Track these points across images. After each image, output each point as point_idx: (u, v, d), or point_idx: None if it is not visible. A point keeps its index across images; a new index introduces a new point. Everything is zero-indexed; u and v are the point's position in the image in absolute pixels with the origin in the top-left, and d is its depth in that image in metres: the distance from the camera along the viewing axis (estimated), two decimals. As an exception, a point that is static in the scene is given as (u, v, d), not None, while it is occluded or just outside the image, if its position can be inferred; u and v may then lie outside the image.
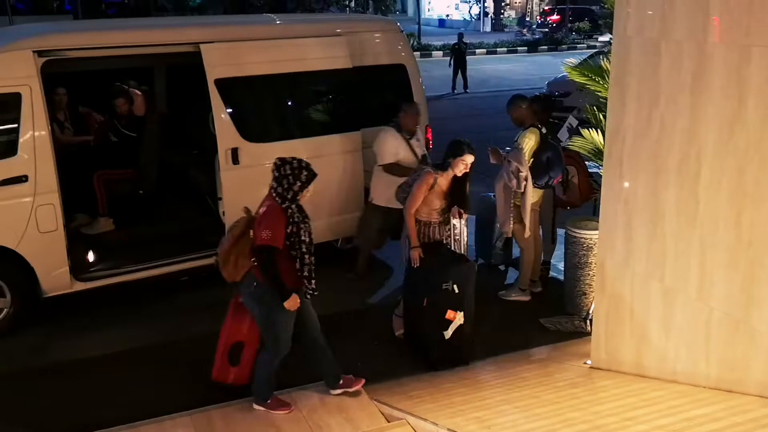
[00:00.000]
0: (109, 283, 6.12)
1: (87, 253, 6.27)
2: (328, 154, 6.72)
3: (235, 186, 6.35)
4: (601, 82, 6.05)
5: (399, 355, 5.25)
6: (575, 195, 6.44)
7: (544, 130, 6.21)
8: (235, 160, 6.28)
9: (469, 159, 5.29)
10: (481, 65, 24.23)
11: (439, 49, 27.20)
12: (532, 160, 6.07)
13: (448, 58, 20.24)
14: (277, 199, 4.29)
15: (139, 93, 7.16)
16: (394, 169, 6.39)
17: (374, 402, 4.86)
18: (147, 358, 5.55)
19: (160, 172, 7.33)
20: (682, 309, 4.07)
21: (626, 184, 4.40)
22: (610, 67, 4.63)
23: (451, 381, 5.03)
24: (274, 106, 6.84)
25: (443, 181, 5.37)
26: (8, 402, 4.93)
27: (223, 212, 6.37)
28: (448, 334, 5.09)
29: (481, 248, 7.08)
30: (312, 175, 4.34)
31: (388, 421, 4.60)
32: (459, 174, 5.34)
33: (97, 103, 7.51)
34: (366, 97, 7.10)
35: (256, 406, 4.69)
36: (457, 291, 5.09)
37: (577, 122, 6.76)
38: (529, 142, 6.10)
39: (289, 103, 6.98)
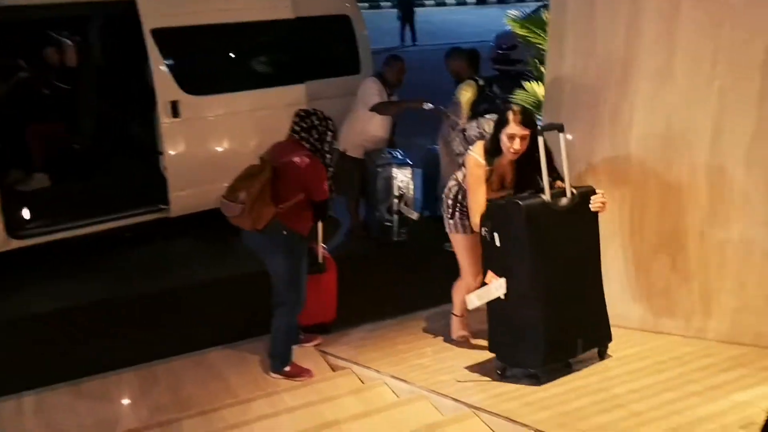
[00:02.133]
0: (47, 241, 6.00)
1: (22, 210, 6.11)
2: (271, 107, 6.65)
3: (176, 140, 6.25)
4: (542, 35, 6.09)
5: (345, 308, 5.31)
6: None
7: (481, 83, 6.26)
8: (176, 113, 6.17)
9: (517, 129, 3.66)
10: (430, 17, 24.01)
11: (387, 0, 26.84)
12: (469, 112, 6.12)
13: (396, 9, 20.01)
14: (311, 149, 4.30)
15: (70, 43, 6.91)
16: (387, 107, 6.39)
17: (319, 352, 4.94)
18: (93, 314, 5.50)
19: (96, 125, 7.13)
20: (613, 254, 4.21)
21: (570, 137, 4.48)
22: (549, 20, 4.67)
23: (395, 330, 5.13)
24: (214, 57, 6.70)
25: (500, 168, 3.85)
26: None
27: (165, 167, 6.27)
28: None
29: (426, 201, 7.16)
30: (335, 129, 4.44)
31: (334, 371, 4.70)
32: (511, 158, 3.75)
33: (29, 56, 7.22)
34: (309, 49, 7.01)
35: (274, 376, 4.55)
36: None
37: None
38: (466, 94, 6.16)
39: (230, 55, 6.85)
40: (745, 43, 3.37)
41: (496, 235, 3.55)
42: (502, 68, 13.59)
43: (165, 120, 6.15)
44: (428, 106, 6.37)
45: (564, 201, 3.56)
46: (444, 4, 29.06)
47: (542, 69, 6.11)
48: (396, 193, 6.58)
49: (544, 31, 5.97)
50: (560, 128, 3.68)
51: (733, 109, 3.43)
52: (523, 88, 6.82)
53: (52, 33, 7.03)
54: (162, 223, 6.49)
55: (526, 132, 3.65)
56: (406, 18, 19.11)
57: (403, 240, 6.67)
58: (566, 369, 3.54)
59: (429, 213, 7.09)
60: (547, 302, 3.48)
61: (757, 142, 3.34)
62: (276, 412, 3.96)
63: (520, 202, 3.46)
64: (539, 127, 3.63)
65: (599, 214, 3.69)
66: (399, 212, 6.64)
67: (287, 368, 4.54)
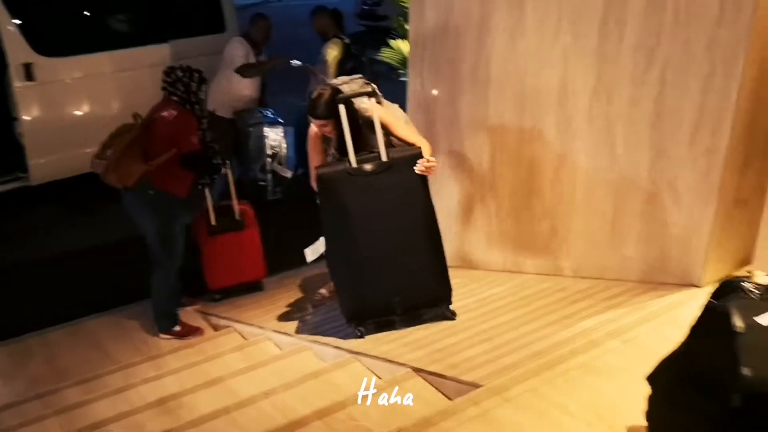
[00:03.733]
0: None
1: None
2: (134, 68, 6.44)
3: (32, 104, 5.94)
4: (405, -8, 6.25)
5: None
6: None
7: (347, 41, 6.38)
8: (30, 76, 5.84)
9: (317, 122, 3.80)
10: (294, -29, 23.55)
11: (250, -46, 25.99)
12: (336, 70, 6.23)
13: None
14: (179, 103, 4.33)
15: None
16: (250, 70, 6.31)
17: (201, 315, 4.98)
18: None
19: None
20: (473, 204, 4.51)
21: (427, 92, 4.70)
22: (410, -22, 4.82)
23: (276, 287, 5.25)
24: (71, 16, 6.37)
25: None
26: None
27: (21, 133, 5.95)
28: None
29: (300, 158, 7.23)
30: (203, 78, 4.42)
31: (216, 330, 4.76)
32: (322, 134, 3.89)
33: None
34: (172, 8, 6.82)
35: (164, 336, 4.55)
36: None
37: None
38: (332, 52, 6.26)
39: (89, 13, 6.54)
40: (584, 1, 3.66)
41: (317, 197, 3.78)
42: (369, 24, 13.67)
43: (18, 84, 5.82)
44: (296, 63, 6.41)
45: (369, 166, 3.60)
46: (308, -42, 28.55)
47: (406, 26, 6.31)
48: (269, 152, 6.61)
49: (407, -12, 6.15)
50: (369, 94, 3.76)
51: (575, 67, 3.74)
52: (389, 46, 7.00)
53: None
54: (24, 192, 6.19)
55: (323, 122, 3.74)
56: (270, -28, 18.66)
57: (278, 198, 6.74)
58: (389, 325, 3.68)
59: (303, 170, 7.17)
60: (351, 262, 3.66)
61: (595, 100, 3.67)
62: (160, 375, 3.99)
63: (318, 170, 3.68)
64: (339, 97, 3.68)
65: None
66: (272, 171, 6.69)
67: (177, 328, 4.56)
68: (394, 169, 3.63)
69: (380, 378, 3.31)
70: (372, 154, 3.67)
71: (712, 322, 1.98)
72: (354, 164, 3.61)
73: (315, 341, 3.94)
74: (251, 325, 4.53)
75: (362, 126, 3.77)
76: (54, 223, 6.36)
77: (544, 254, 4.08)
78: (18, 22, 5.75)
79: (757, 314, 1.88)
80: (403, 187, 3.65)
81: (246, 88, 6.52)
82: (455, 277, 4.41)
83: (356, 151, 3.67)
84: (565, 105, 3.80)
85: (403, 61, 6.41)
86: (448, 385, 2.98)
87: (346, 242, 3.67)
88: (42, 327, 4.76)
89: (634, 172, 3.53)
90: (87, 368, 4.26)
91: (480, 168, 4.40)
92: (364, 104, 3.81)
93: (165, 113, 4.32)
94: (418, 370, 3.15)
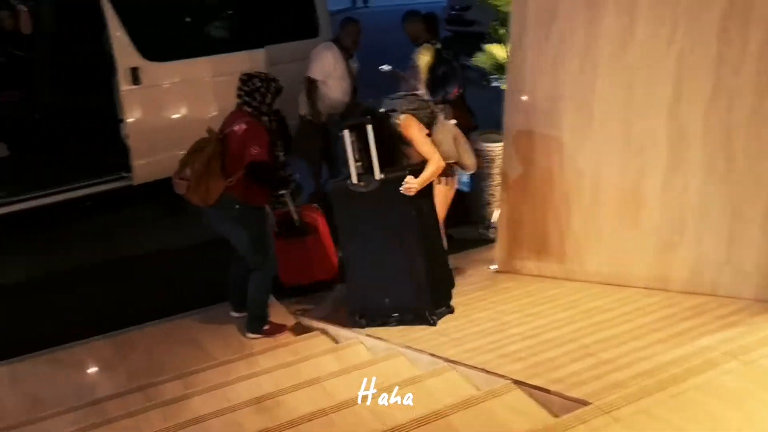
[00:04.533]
0: (8, 212, 5.90)
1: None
2: (231, 73, 6.55)
3: (137, 107, 6.17)
4: (501, -4, 6.16)
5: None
6: None
7: (438, 46, 6.33)
8: (136, 80, 6.08)
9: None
10: (380, -22, 23.74)
11: (338, -39, 26.35)
12: (428, 76, 6.20)
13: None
14: (253, 113, 4.28)
15: (24, 9, 6.70)
16: (310, 86, 6.36)
17: (292, 315, 5.04)
18: (62, 284, 5.48)
19: (55, 93, 6.97)
20: (576, 214, 4.39)
21: (526, 97, 4.61)
22: (512, -17, 4.74)
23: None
24: (174, 22, 6.59)
25: None
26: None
27: (126, 135, 6.19)
28: None
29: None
30: (279, 88, 4.38)
31: (308, 332, 4.80)
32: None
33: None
34: (268, 14, 6.94)
35: (251, 336, 4.65)
36: None
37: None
38: (424, 57, 6.22)
39: (190, 20, 6.74)
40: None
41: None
42: (456, 29, 13.61)
43: (125, 87, 6.05)
44: (385, 68, 6.39)
45: (363, 186, 4.16)
46: (394, -35, 28.70)
47: (501, 32, 6.22)
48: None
49: (504, -8, 6.05)
50: (367, 122, 4.17)
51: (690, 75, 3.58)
52: (480, 51, 6.91)
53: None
54: (126, 192, 6.44)
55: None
56: (357, -21, 18.90)
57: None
58: (384, 322, 4.30)
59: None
60: (352, 266, 4.38)
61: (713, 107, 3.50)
62: (255, 373, 4.04)
63: (331, 185, 4.39)
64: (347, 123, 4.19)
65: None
66: (363, 175, 6.70)
67: (266, 327, 4.65)
68: (386, 187, 4.13)
69: (478, 389, 3.25)
70: (395, 168, 4.19)
71: None
72: (354, 180, 4.18)
73: (408, 347, 3.91)
74: (343, 328, 4.54)
75: (396, 141, 4.30)
76: (153, 222, 6.59)
77: (651, 268, 3.92)
78: (127, 27, 5.99)
79: None
80: (394, 204, 4.13)
81: (337, 92, 6.57)
82: (553, 288, 4.33)
83: (393, 162, 4.24)
84: (678, 113, 3.64)
85: (497, 67, 6.32)
86: (552, 400, 2.89)
87: (352, 246, 4.34)
88: (141, 321, 4.91)
89: (755, 183, 3.34)
90: (184, 363, 4.37)
91: (582, 177, 4.28)
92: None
93: (236, 127, 4.25)
94: (518, 383, 3.07)
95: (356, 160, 4.20)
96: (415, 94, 4.74)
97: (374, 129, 4.17)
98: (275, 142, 4.44)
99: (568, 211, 4.42)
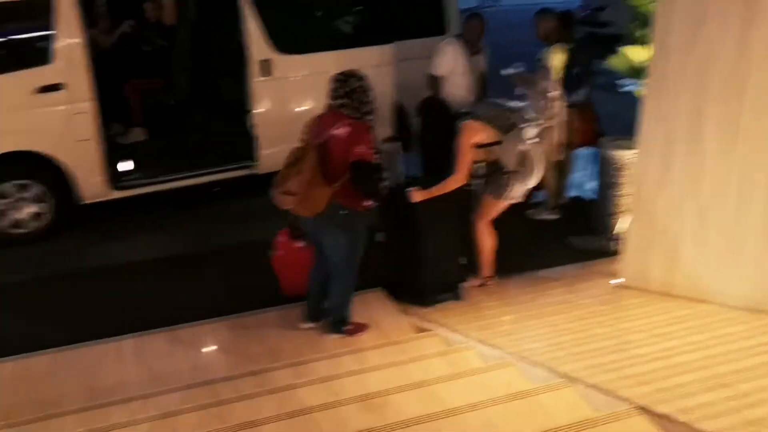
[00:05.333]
0: (145, 192, 6.23)
1: (122, 162, 6.36)
2: (359, 68, 6.63)
3: (265, 98, 6.34)
4: (643, -4, 5.83)
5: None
6: (571, 137, 6.24)
7: (571, 46, 6.07)
8: (266, 72, 6.24)
9: None
10: (511, -24, 23.34)
11: (468, -41, 26.14)
12: (560, 77, 5.96)
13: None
14: (352, 115, 4.05)
15: (168, 1, 7.06)
16: (432, 83, 6.31)
17: (403, 314, 4.99)
18: (178, 266, 5.71)
19: (191, 82, 7.30)
20: (715, 229, 4.07)
21: (667, 104, 4.32)
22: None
23: (479, 297, 5.12)
24: (305, 16, 6.72)
25: None
26: (48, 304, 5.13)
27: (254, 124, 6.38)
28: None
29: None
30: (371, 87, 4.16)
31: (418, 332, 4.74)
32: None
33: (130, 11, 7.40)
34: (396, 9, 6.95)
35: (333, 337, 4.53)
36: None
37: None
38: (558, 58, 5.98)
39: (320, 14, 6.86)
40: None
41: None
42: (590, 31, 13.12)
43: (256, 78, 6.23)
44: (510, 71, 6.19)
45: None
46: (526, -36, 28.15)
47: (640, 33, 5.89)
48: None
49: (646, -8, 5.72)
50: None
51: None
52: (614, 52, 6.58)
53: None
54: (249, 180, 6.64)
55: None
56: (487, -23, 18.63)
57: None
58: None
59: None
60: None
61: None
62: (363, 369, 4.03)
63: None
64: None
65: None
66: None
67: (347, 327, 4.56)
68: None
69: (597, 410, 3.06)
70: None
71: None
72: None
73: (523, 358, 3.76)
74: (455, 331, 4.45)
75: None
76: (271, 212, 6.74)
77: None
78: (261, 21, 6.16)
79: None
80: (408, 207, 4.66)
81: (461, 88, 6.46)
82: (683, 308, 4.05)
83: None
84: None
85: (633, 70, 6.00)
86: (679, 431, 2.67)
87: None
88: (257, 307, 5.03)
89: None
90: (296, 352, 4.42)
91: (724, 188, 3.96)
92: None
93: (338, 131, 4.03)
94: (642, 409, 2.86)
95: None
96: (503, 104, 4.83)
97: (447, 130, 4.59)
98: (374, 145, 4.23)
99: (706, 227, 4.10)
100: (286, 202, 4.11)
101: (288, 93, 6.52)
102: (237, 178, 6.61)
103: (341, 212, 4.15)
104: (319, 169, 4.02)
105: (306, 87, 6.63)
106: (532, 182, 4.85)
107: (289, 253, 4.90)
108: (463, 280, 4.99)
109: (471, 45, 6.36)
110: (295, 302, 5.08)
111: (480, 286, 5.09)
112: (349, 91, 4.05)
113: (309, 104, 6.67)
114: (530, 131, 4.71)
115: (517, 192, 4.84)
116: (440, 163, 4.68)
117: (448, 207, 4.73)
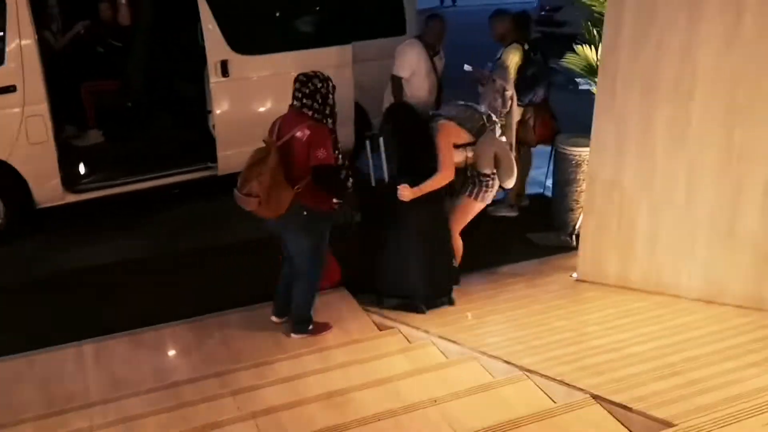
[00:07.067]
0: (101, 196, 6.14)
1: (78, 165, 6.26)
2: (318, 68, 6.63)
3: (224, 99, 6.31)
4: (597, -3, 5.96)
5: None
6: (530, 135, 6.39)
7: (526, 47, 6.17)
8: (225, 72, 6.21)
9: None
10: (469, -23, 23.55)
11: (427, -40, 26.29)
12: (516, 77, 6.06)
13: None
14: (315, 116, 4.06)
15: (123, 1, 6.97)
16: (395, 84, 6.35)
17: (365, 311, 5.02)
18: (141, 270, 5.65)
19: (148, 83, 7.22)
20: (668, 224, 4.19)
21: (618, 102, 4.43)
22: (608, -18, 4.57)
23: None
24: (264, 17, 6.69)
25: None
26: (9, 312, 5.03)
27: (213, 125, 6.34)
28: None
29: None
30: (334, 86, 4.15)
31: (380, 330, 4.78)
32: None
33: (84, 13, 7.28)
34: (356, 9, 6.97)
35: (295, 336, 4.54)
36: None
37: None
38: (514, 58, 6.07)
39: (279, 15, 6.84)
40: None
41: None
42: (546, 30, 13.33)
43: (214, 79, 6.20)
44: (468, 67, 6.28)
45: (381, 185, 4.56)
46: (484, -36, 28.40)
47: (595, 33, 6.01)
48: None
49: (600, -7, 5.85)
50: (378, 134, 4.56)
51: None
52: (572, 52, 6.70)
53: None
54: (209, 181, 6.60)
55: None
56: (446, -22, 18.79)
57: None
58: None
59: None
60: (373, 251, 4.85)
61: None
62: (327, 368, 4.05)
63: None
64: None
65: None
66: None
67: (310, 327, 4.58)
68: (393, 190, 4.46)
69: (554, 401, 3.14)
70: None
71: None
72: (386, 178, 4.54)
73: (483, 352, 3.83)
74: (417, 328, 4.50)
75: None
76: (235, 213, 6.70)
77: (746, 284, 3.70)
78: (219, 21, 6.13)
79: None
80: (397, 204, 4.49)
81: (422, 90, 6.51)
82: (637, 301, 4.15)
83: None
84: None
85: (588, 69, 6.12)
86: (633, 418, 2.76)
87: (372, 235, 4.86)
88: (220, 309, 5.01)
89: None
90: (259, 353, 4.41)
91: (674, 187, 4.08)
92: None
93: (298, 134, 4.02)
94: (598, 398, 2.95)
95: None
96: (471, 105, 4.82)
97: (421, 132, 4.57)
98: (336, 145, 4.25)
99: (658, 221, 4.22)
100: (249, 204, 4.08)
101: (247, 94, 6.49)
102: (197, 180, 6.56)
103: (304, 213, 4.16)
104: (280, 171, 4.00)
105: (265, 87, 6.62)
106: (510, 183, 4.82)
107: None
108: (457, 283, 4.86)
109: (432, 46, 6.41)
110: (258, 303, 5.09)
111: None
112: (311, 91, 4.04)
113: (269, 105, 6.66)
114: (497, 131, 4.77)
115: (494, 193, 4.86)
116: (419, 166, 4.53)
117: (440, 209, 4.69)
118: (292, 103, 4.13)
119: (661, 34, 4.07)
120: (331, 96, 4.10)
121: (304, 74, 4.11)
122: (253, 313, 4.92)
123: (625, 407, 2.81)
